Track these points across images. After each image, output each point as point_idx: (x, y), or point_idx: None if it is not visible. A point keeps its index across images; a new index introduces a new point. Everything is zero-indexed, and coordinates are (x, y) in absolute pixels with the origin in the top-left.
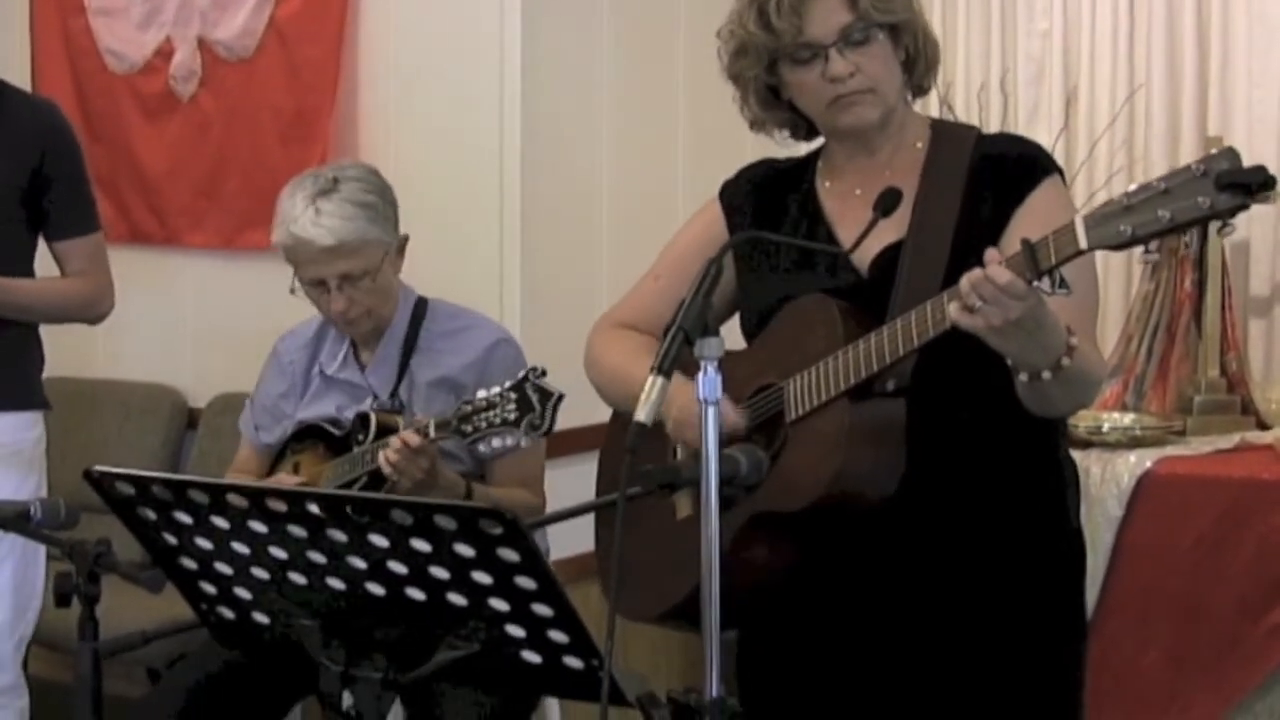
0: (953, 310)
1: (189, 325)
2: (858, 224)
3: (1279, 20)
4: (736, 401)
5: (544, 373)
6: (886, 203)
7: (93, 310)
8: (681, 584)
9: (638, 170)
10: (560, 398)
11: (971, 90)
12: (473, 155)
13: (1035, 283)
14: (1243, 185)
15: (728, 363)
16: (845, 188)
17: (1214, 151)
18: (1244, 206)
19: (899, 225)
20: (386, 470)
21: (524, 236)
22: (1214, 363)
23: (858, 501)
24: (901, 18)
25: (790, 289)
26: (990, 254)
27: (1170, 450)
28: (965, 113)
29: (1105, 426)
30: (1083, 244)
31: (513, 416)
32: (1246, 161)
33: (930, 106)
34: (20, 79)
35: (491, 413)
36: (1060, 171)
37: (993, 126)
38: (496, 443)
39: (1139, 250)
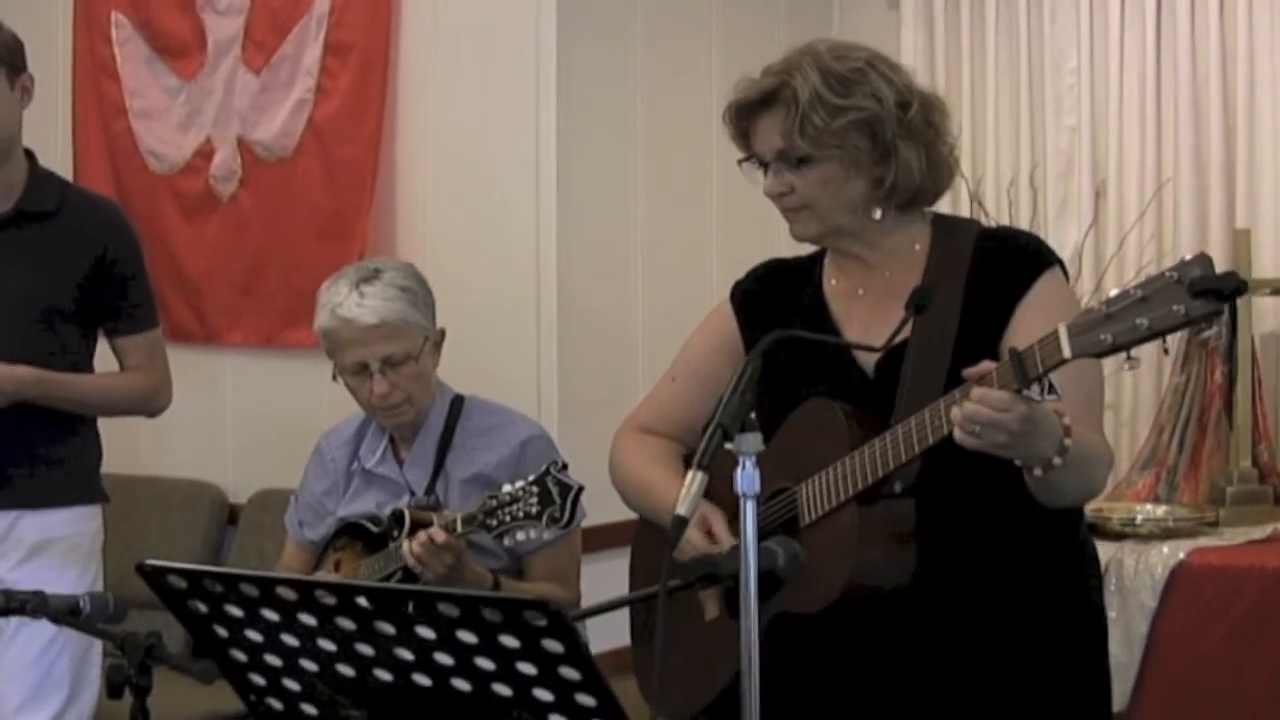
0: (957, 435)
1: (229, 422)
2: (863, 323)
3: None
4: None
5: (565, 466)
6: (918, 300)
7: (151, 404)
8: (715, 681)
9: (672, 264)
10: (580, 490)
11: (1001, 185)
12: (508, 253)
13: (1025, 391)
14: (1215, 291)
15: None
16: (849, 287)
17: (1187, 258)
18: (1218, 313)
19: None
20: (411, 563)
21: (560, 333)
22: (1245, 453)
23: (873, 598)
24: (832, 155)
25: (802, 389)
26: (969, 372)
27: (1203, 541)
28: (995, 207)
29: (1139, 518)
30: (1066, 353)
31: (535, 510)
32: (1273, 252)
33: (960, 201)
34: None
35: (515, 506)
36: (1060, 263)
37: (1023, 221)
38: (520, 536)
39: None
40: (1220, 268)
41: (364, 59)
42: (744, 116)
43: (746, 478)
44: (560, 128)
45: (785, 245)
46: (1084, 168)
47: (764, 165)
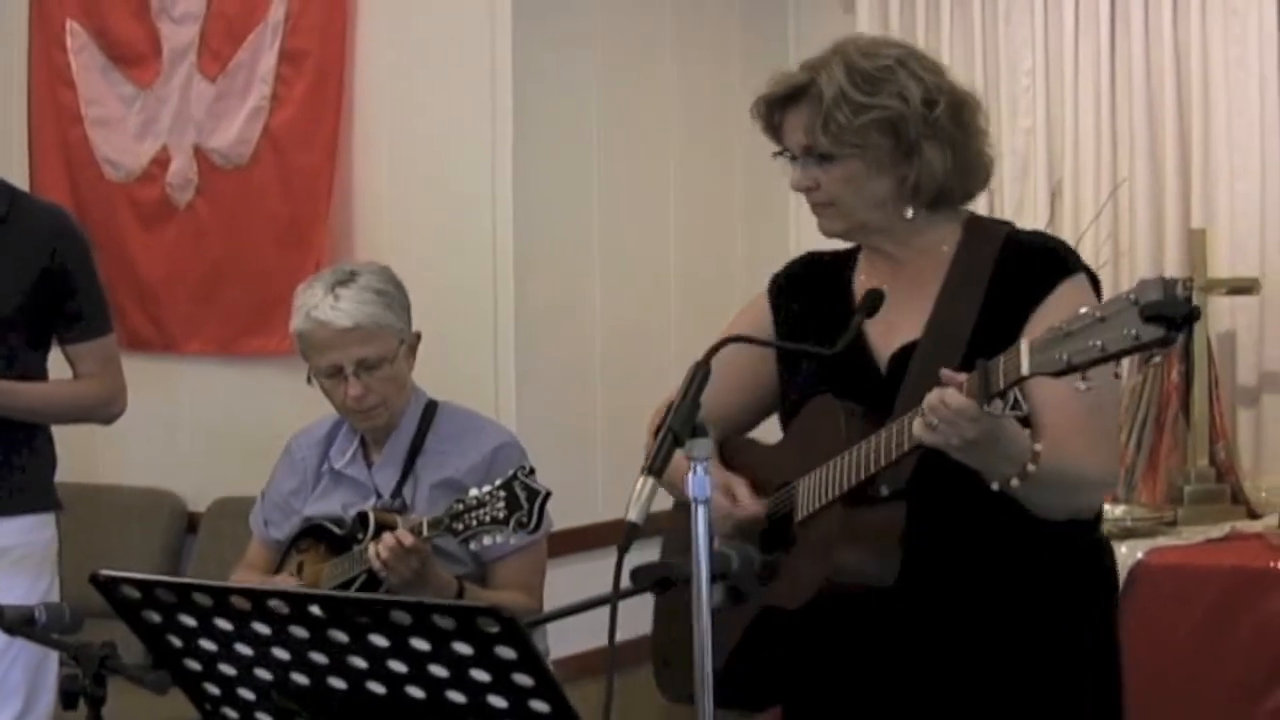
0: (916, 426)
1: (188, 430)
2: (885, 319)
3: (1258, 113)
4: (765, 494)
5: (532, 471)
6: (868, 303)
7: (105, 411)
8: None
9: (630, 268)
10: (547, 495)
11: None
12: (466, 259)
13: (987, 405)
14: (1167, 318)
15: (764, 454)
16: (875, 283)
17: (1146, 279)
18: (1168, 341)
19: (919, 325)
20: (376, 567)
21: (517, 338)
22: (1203, 453)
23: (856, 597)
24: (854, 152)
25: (818, 385)
26: (945, 375)
27: (1162, 541)
28: None
29: None
30: (1024, 370)
31: (501, 514)
32: (1229, 252)
33: None
34: (18, 187)
35: (481, 511)
36: (1087, 270)
37: None
38: (487, 540)
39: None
40: (1176, 268)
41: (319, 66)
42: (774, 110)
43: (698, 482)
44: (516, 133)
45: (743, 247)
46: (1039, 169)
47: (793, 159)
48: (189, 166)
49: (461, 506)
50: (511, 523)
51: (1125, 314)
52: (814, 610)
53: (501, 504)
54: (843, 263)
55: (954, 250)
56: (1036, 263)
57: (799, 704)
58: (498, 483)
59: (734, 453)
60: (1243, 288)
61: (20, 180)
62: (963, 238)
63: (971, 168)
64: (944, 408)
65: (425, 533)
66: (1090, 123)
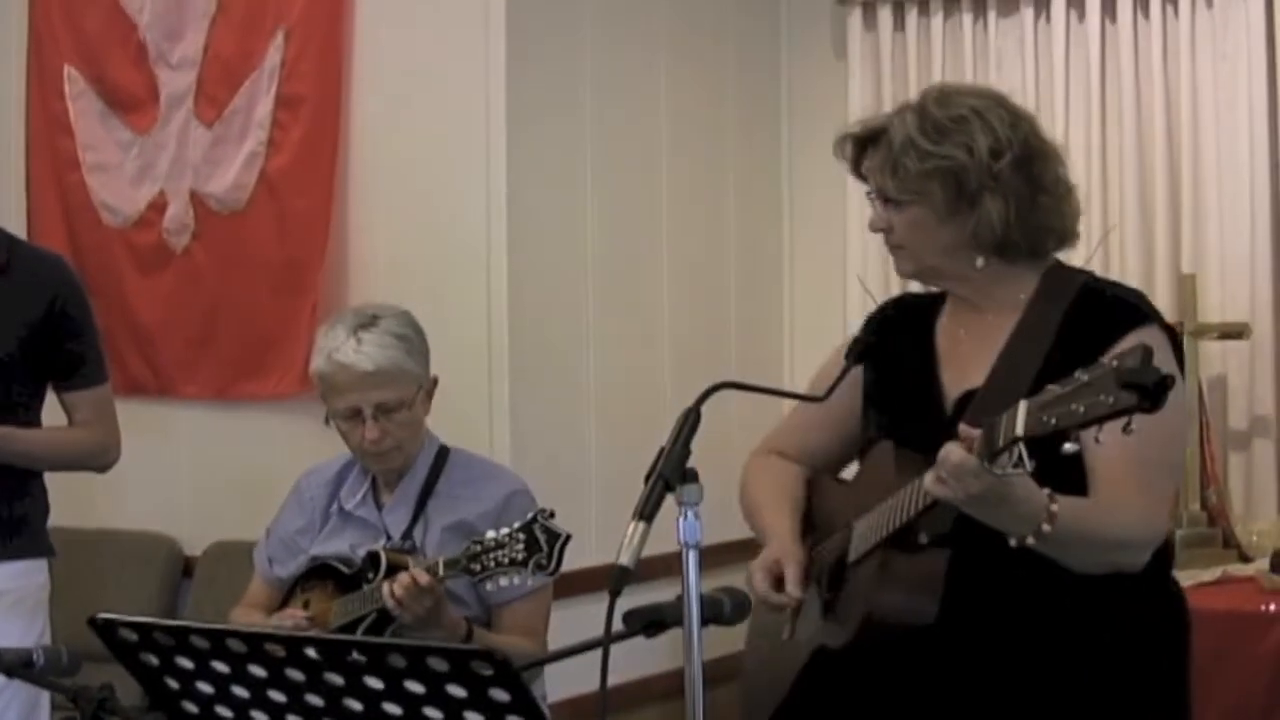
0: (928, 479)
1: (184, 474)
2: (959, 364)
3: (1248, 158)
4: (831, 531)
5: (552, 514)
6: (855, 351)
7: (100, 459)
8: (772, 700)
9: (625, 307)
10: (567, 539)
11: None
12: (462, 302)
13: (991, 463)
14: (1139, 386)
15: (838, 493)
16: (954, 327)
17: (1126, 348)
18: (1143, 408)
19: (986, 372)
20: (390, 605)
21: (512, 378)
22: (1195, 497)
23: (895, 641)
24: (914, 199)
25: (891, 427)
26: (962, 429)
27: None
28: None
29: None
30: (1019, 430)
31: (520, 556)
32: (1219, 297)
33: None
34: (16, 233)
35: (500, 552)
36: (1160, 321)
37: None
38: (504, 581)
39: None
40: (1167, 313)
41: (316, 111)
42: (858, 151)
43: (689, 527)
44: (510, 176)
45: (737, 291)
46: None
47: (871, 199)
48: (185, 211)
49: (480, 548)
50: (531, 564)
51: (1105, 379)
52: (859, 651)
53: (521, 546)
54: (932, 304)
55: (1029, 298)
56: (1108, 312)
57: None
58: (516, 525)
59: (817, 491)
60: (1233, 332)
61: (18, 226)
62: (1039, 286)
63: (1039, 221)
64: (948, 462)
65: (441, 572)
66: (1081, 168)
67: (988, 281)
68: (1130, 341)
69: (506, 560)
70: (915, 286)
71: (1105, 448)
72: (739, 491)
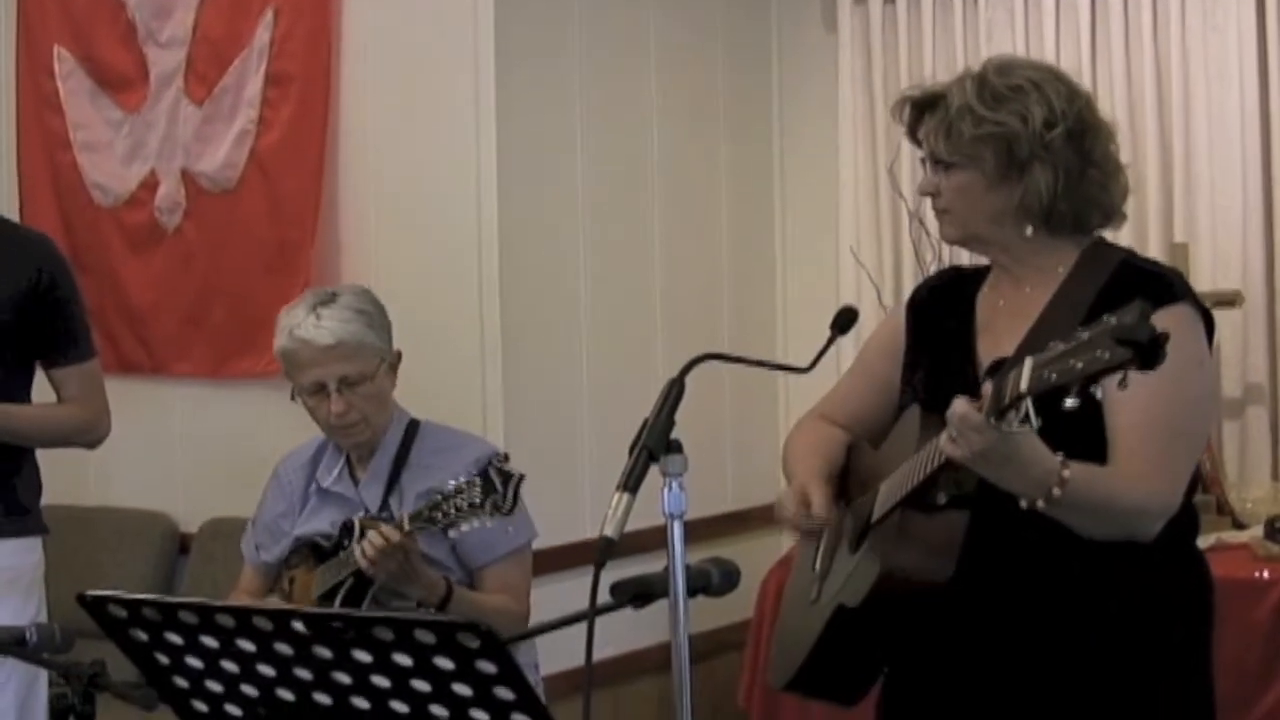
0: (943, 438)
1: (178, 452)
2: (994, 334)
3: (1239, 127)
4: (863, 491)
5: (506, 457)
6: (841, 321)
7: (90, 435)
8: (797, 659)
9: (617, 288)
10: (521, 478)
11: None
12: (453, 280)
13: (998, 419)
14: (1134, 342)
15: (872, 457)
16: (995, 297)
17: (1129, 304)
18: (1136, 365)
19: (1018, 342)
20: (364, 565)
21: (504, 358)
22: None
23: (909, 599)
24: (965, 162)
25: (924, 394)
26: (984, 388)
27: None
28: (935, 229)
29: None
30: (1023, 387)
31: (479, 499)
32: (1211, 265)
33: (900, 222)
34: (8, 212)
35: (459, 498)
36: (1195, 300)
37: None
38: (465, 527)
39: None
40: None
41: (305, 89)
42: (915, 115)
43: (673, 498)
44: (501, 155)
45: (728, 269)
46: None
47: (923, 164)
48: (177, 190)
49: (440, 497)
50: (488, 505)
51: (1102, 336)
52: (875, 609)
53: (478, 489)
54: (977, 278)
55: (1068, 272)
56: (1141, 287)
57: (894, 695)
58: (473, 471)
59: (855, 456)
60: (1226, 300)
61: (10, 206)
62: (1079, 260)
63: (1086, 195)
64: (954, 415)
65: (407, 526)
66: None
67: (1029, 252)
68: (1162, 317)
69: (465, 505)
70: (906, 267)
71: (1125, 415)
72: (784, 451)
